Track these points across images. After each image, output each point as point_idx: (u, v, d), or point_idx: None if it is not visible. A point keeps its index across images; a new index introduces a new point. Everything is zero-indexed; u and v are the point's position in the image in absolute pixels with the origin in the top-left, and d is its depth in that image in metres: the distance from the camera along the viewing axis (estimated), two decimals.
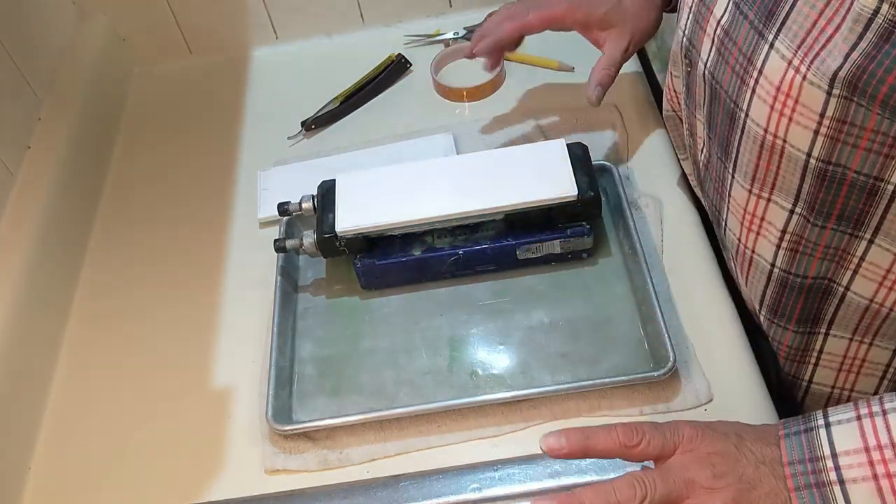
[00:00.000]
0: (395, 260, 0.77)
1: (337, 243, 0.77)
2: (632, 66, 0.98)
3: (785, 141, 0.54)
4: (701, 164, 0.70)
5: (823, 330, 0.64)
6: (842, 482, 0.48)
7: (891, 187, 0.51)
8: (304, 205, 0.80)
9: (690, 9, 0.64)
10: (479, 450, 0.68)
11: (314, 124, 0.98)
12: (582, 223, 0.76)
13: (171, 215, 0.93)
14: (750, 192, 0.60)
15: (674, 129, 0.79)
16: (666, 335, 0.69)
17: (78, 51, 1.01)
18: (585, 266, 0.79)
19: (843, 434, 0.49)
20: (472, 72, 1.00)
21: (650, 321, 0.71)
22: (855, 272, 0.58)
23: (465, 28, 1.05)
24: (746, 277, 0.67)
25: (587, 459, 0.65)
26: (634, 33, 0.81)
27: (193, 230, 0.90)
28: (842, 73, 0.47)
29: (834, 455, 0.48)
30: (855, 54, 0.47)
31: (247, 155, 0.97)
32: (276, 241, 0.80)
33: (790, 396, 0.73)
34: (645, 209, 0.82)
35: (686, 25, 0.65)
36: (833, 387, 0.68)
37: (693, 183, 0.79)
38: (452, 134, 0.93)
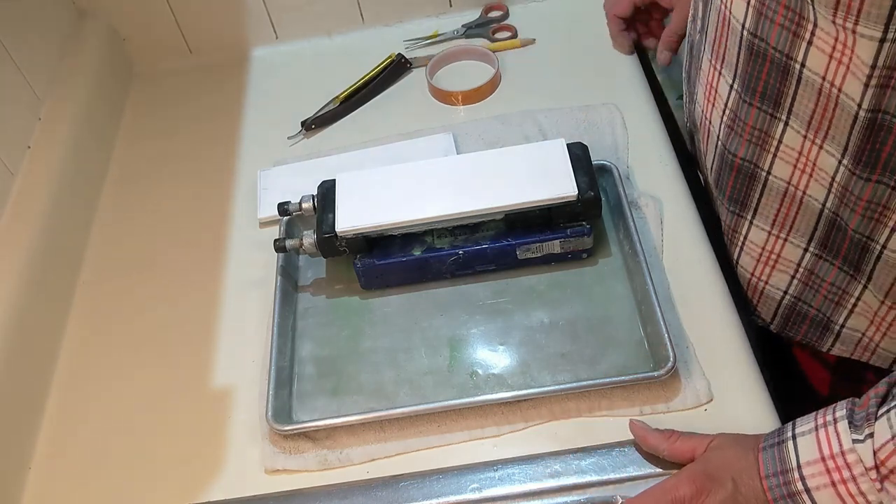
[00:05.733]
0: (395, 260, 0.77)
1: (337, 243, 0.77)
2: (632, 66, 0.98)
3: (730, 17, 0.62)
4: (689, 46, 0.77)
5: (749, 217, 0.71)
6: (808, 490, 0.54)
7: (797, 65, 0.57)
8: (304, 205, 0.80)
9: None
10: (479, 450, 0.68)
11: (314, 124, 0.98)
12: (582, 223, 0.76)
13: (170, 215, 0.93)
14: (711, 65, 0.68)
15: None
16: (666, 335, 0.69)
17: (78, 51, 1.01)
18: (585, 266, 0.79)
19: (805, 446, 0.55)
20: (468, 75, 1.00)
21: (650, 321, 0.71)
22: (774, 155, 0.64)
23: (463, 25, 1.06)
24: (706, 146, 0.74)
25: (587, 460, 0.65)
26: None
27: (193, 230, 0.90)
28: None
29: (799, 466, 0.54)
30: None
31: (247, 155, 0.97)
32: (276, 240, 0.80)
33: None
34: (645, 209, 0.82)
35: None
36: (752, 275, 0.74)
37: (683, 83, 0.84)
38: (452, 134, 0.93)
